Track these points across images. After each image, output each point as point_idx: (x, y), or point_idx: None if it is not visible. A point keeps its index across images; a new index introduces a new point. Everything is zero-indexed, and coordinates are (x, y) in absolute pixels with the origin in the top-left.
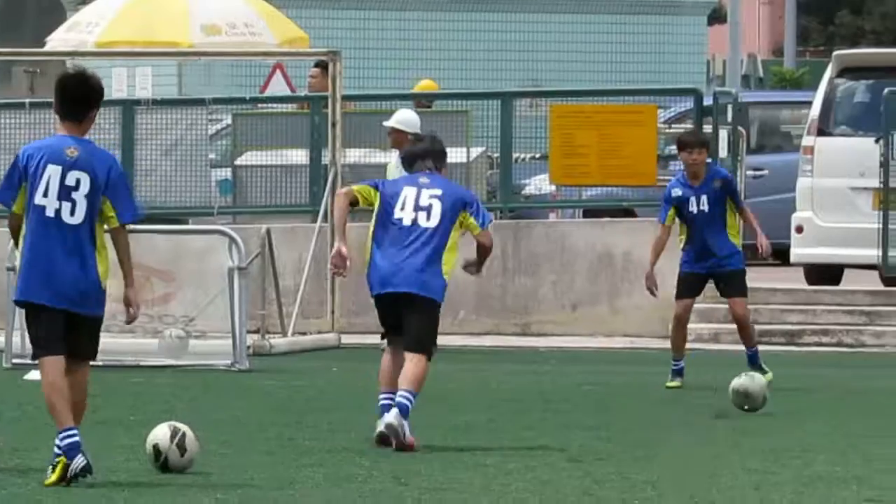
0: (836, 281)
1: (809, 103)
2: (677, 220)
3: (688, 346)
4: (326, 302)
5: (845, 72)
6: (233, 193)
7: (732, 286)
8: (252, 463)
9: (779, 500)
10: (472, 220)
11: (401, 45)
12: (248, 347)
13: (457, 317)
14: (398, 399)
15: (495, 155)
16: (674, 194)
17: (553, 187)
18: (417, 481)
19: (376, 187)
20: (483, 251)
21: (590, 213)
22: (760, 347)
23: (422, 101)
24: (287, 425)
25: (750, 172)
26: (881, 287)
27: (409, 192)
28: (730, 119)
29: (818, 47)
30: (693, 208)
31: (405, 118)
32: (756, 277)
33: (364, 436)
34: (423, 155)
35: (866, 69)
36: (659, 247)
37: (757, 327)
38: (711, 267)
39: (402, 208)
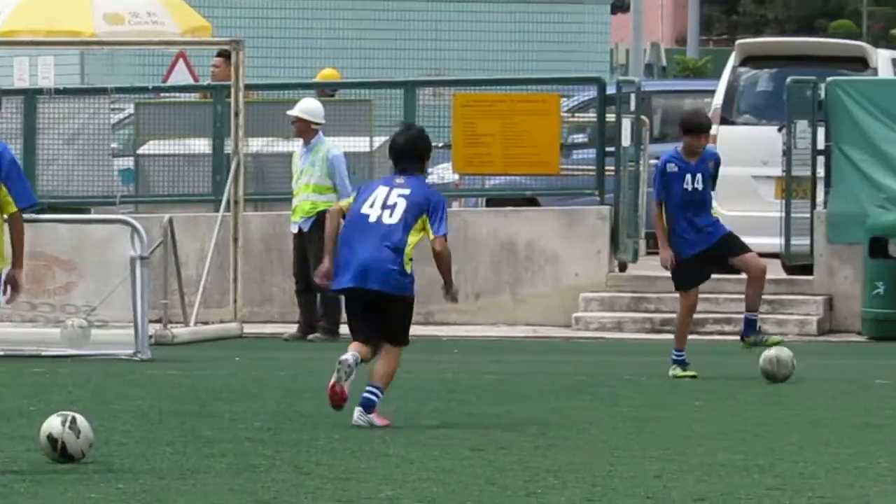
0: (738, 269)
1: (712, 92)
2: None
3: (589, 334)
4: (229, 291)
5: (748, 60)
6: (135, 182)
7: (735, 247)
8: (154, 452)
9: (680, 488)
10: (429, 224)
11: (303, 34)
12: (151, 337)
13: None
14: (364, 394)
15: None
16: (668, 169)
17: (456, 176)
18: (319, 471)
19: (357, 193)
20: (436, 259)
21: (493, 202)
22: (663, 337)
23: (325, 91)
24: (189, 415)
25: (653, 161)
26: (783, 276)
27: (380, 192)
28: (633, 108)
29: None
30: (688, 185)
31: (308, 107)
32: (658, 266)
33: (267, 425)
34: (407, 154)
35: (769, 58)
36: (661, 225)
37: (659, 316)
38: (706, 241)
39: (371, 205)
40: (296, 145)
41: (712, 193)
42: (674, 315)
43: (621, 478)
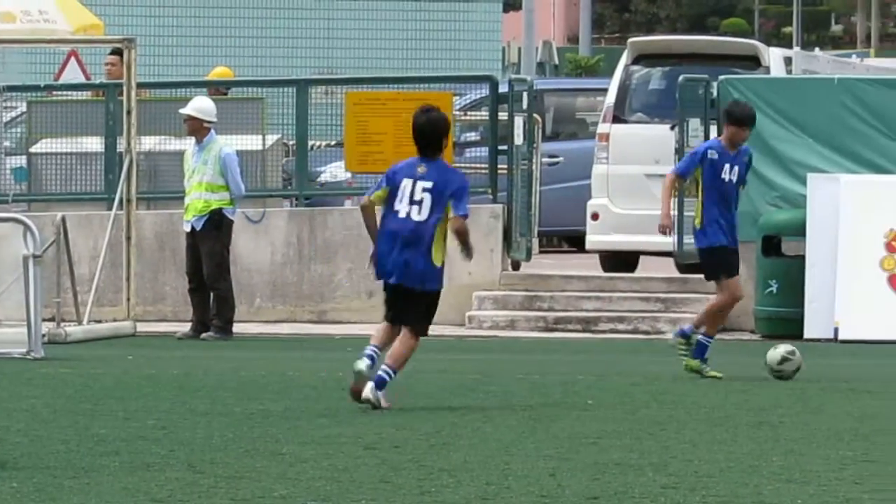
0: (632, 268)
1: (605, 90)
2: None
3: (483, 333)
4: (122, 290)
5: (640, 59)
6: (27, 181)
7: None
8: (48, 451)
9: (574, 487)
10: (450, 207)
11: (196, 33)
12: (44, 335)
13: (253, 304)
14: (378, 373)
15: (291, 142)
16: (709, 155)
17: (349, 174)
18: (213, 469)
19: (385, 184)
20: (455, 235)
21: None
22: (557, 335)
23: (218, 89)
24: (83, 413)
25: (545, 160)
26: (676, 274)
27: (406, 185)
28: (525, 106)
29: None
30: (725, 176)
31: (201, 106)
32: (551, 265)
33: (160, 424)
34: (427, 136)
35: (661, 56)
36: (669, 191)
37: (552, 315)
38: (733, 238)
39: (401, 200)
40: (188, 144)
41: (740, 190)
42: (566, 313)
43: (515, 476)
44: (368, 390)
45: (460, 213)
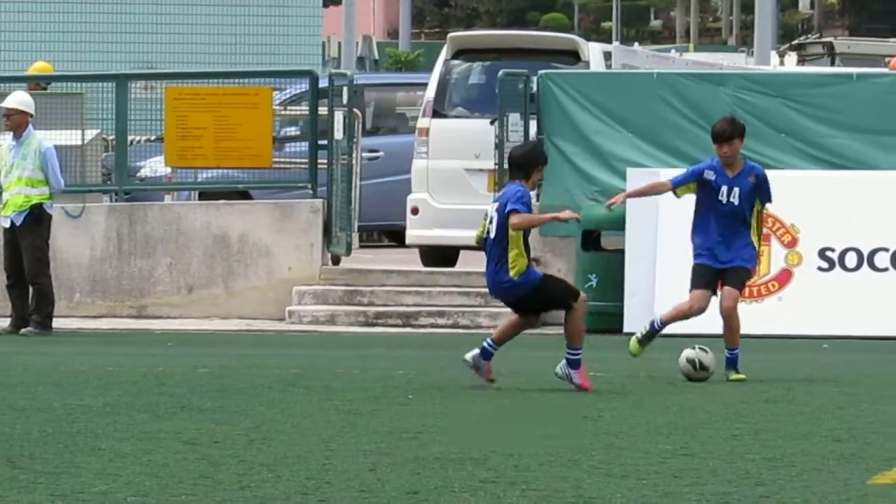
0: (452, 262)
1: (424, 85)
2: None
3: (303, 328)
4: None
5: (460, 53)
6: None
7: (731, 278)
8: None
9: (394, 482)
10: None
11: (15, 28)
12: None
13: (72, 299)
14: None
15: (110, 137)
16: (706, 176)
17: (168, 169)
18: (32, 465)
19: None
20: (517, 229)
21: (205, 195)
22: (377, 330)
23: (38, 83)
24: None
25: (365, 154)
26: None
27: (490, 208)
28: (345, 101)
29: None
30: (723, 198)
31: (24, 99)
32: (371, 259)
33: None
34: (510, 165)
35: (481, 51)
36: (650, 190)
37: (373, 310)
38: (728, 264)
39: (488, 222)
40: (6, 137)
41: (754, 212)
42: (386, 308)
43: (335, 471)
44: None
45: (510, 208)
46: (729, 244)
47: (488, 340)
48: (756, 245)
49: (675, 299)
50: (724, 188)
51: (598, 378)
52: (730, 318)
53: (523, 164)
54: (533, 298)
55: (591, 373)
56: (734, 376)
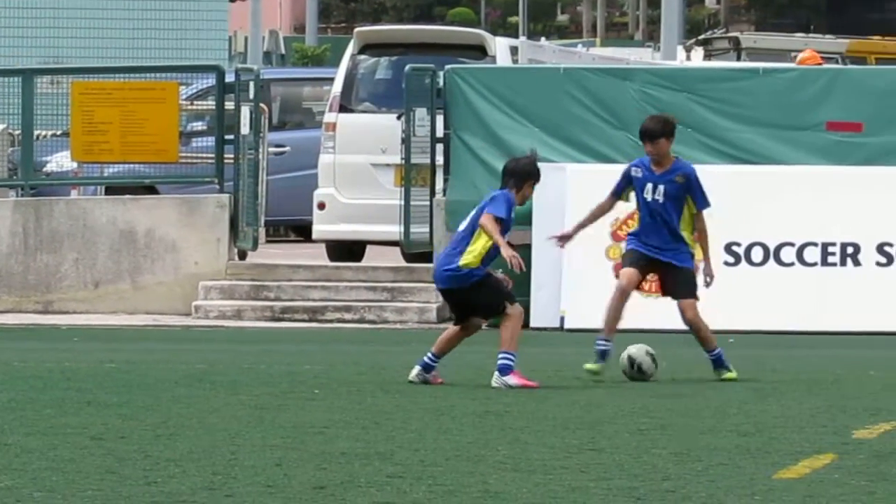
0: (359, 257)
1: (331, 80)
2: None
3: (210, 323)
4: None
5: (367, 48)
6: None
7: (679, 285)
8: None
9: (301, 476)
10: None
11: None
12: None
13: None
14: (498, 362)
15: (16, 132)
16: (633, 173)
17: (75, 164)
18: None
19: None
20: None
21: (112, 190)
22: (284, 325)
23: None
24: None
25: (272, 149)
26: (403, 263)
27: None
28: (252, 96)
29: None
30: (648, 195)
31: None
32: (278, 254)
33: None
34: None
35: (388, 46)
36: (597, 212)
37: (279, 304)
38: (657, 254)
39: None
40: None
41: (680, 212)
42: (293, 303)
43: (242, 466)
44: (494, 381)
45: (489, 210)
46: (659, 238)
47: (429, 354)
48: (688, 244)
49: (582, 293)
50: (649, 185)
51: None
52: (694, 326)
53: (517, 175)
54: (469, 294)
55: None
56: (726, 375)
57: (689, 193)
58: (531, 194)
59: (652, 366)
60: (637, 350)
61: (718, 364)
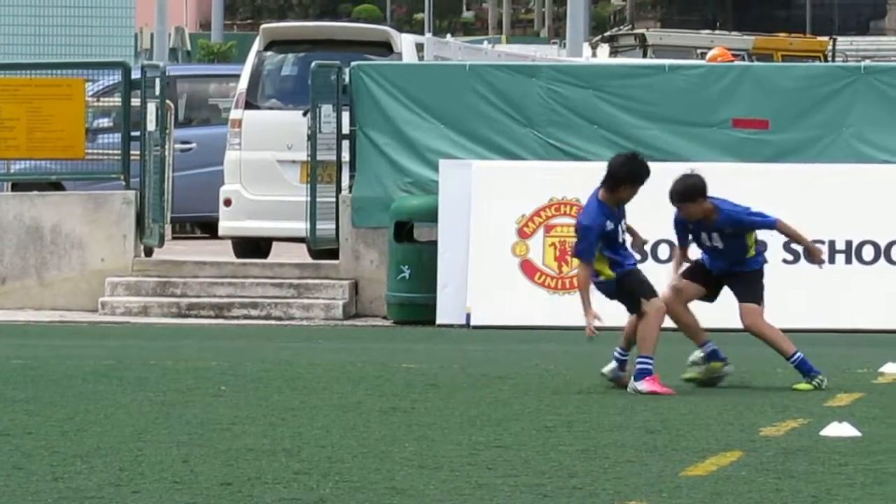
0: (265, 254)
1: (237, 76)
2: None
3: (116, 319)
4: None
5: (273, 45)
6: None
7: (740, 287)
8: None
9: (207, 473)
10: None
11: None
12: None
13: None
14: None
15: None
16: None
17: None
18: None
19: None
20: None
21: (18, 186)
22: (189, 321)
23: None
24: None
25: (178, 146)
26: (309, 260)
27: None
28: (158, 92)
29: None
30: (706, 243)
31: None
32: (184, 251)
33: None
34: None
35: (294, 42)
36: (675, 264)
37: (185, 301)
38: (724, 272)
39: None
40: None
41: (745, 243)
42: (199, 299)
43: (149, 462)
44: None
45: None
46: (725, 263)
47: (617, 350)
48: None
49: (488, 290)
50: (703, 234)
51: (412, 370)
52: (754, 333)
53: (613, 175)
54: (619, 294)
55: (404, 364)
56: (797, 385)
57: (744, 229)
58: (628, 197)
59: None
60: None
61: (801, 371)
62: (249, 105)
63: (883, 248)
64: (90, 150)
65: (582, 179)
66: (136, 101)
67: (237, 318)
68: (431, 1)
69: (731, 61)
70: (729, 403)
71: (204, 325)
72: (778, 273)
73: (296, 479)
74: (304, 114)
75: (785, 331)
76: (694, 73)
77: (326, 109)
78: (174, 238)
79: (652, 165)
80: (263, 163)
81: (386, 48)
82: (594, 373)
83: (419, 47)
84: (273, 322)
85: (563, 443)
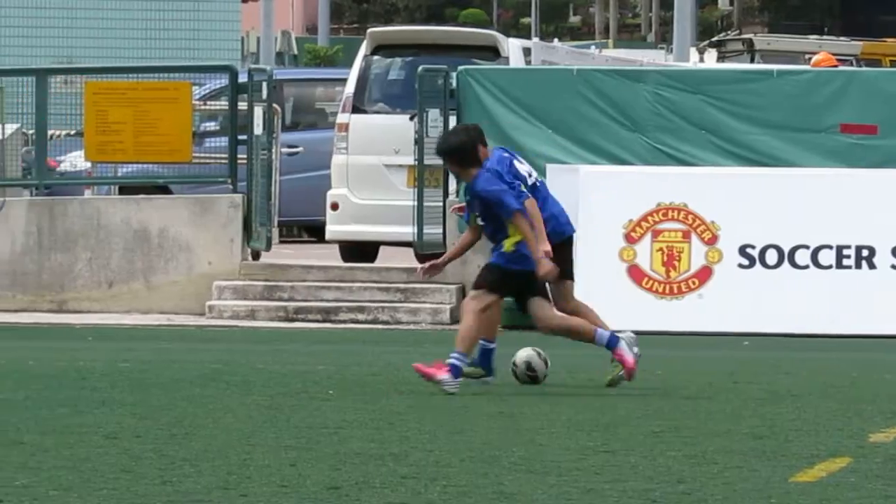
0: (372, 258)
1: (344, 80)
2: None
3: (223, 322)
4: None
5: (379, 49)
6: None
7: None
8: None
9: (315, 477)
10: None
11: None
12: None
13: None
14: None
15: (30, 132)
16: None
17: (88, 164)
18: None
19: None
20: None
21: (125, 190)
22: (296, 325)
23: None
24: None
25: (285, 150)
26: (416, 264)
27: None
28: (264, 96)
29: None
30: None
31: None
32: (291, 254)
33: None
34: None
35: (400, 46)
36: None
37: (293, 305)
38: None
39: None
40: None
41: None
42: (306, 303)
43: (256, 466)
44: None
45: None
46: None
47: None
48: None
49: (595, 295)
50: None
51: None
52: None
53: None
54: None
55: (511, 368)
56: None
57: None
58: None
59: (542, 365)
60: (527, 353)
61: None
62: (356, 109)
63: None
64: (197, 154)
65: (689, 184)
66: (242, 105)
67: (344, 322)
68: (538, 5)
69: (835, 66)
70: (837, 409)
71: (311, 329)
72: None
73: (403, 483)
74: (411, 118)
75: None
76: (802, 78)
77: (433, 114)
78: (281, 242)
79: (760, 171)
80: (370, 167)
81: (493, 52)
82: (702, 378)
83: (526, 51)
84: (380, 326)
85: (670, 448)
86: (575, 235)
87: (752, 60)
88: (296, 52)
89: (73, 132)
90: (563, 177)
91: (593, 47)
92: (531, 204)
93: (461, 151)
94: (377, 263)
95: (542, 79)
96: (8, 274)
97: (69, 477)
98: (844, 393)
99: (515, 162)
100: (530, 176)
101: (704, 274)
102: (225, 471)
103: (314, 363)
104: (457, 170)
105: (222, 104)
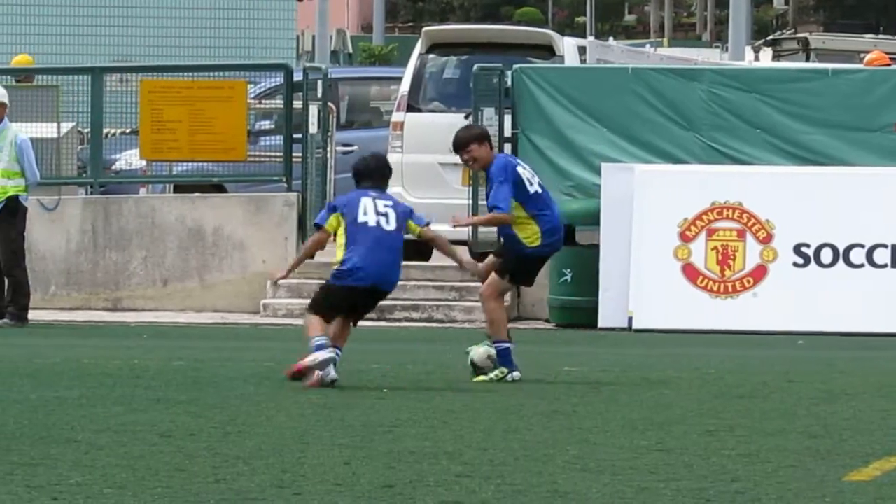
0: (426, 257)
1: (399, 79)
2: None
3: (277, 321)
4: None
5: (435, 48)
6: None
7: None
8: None
9: (369, 475)
10: (413, 223)
11: None
12: None
13: (48, 292)
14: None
15: (86, 130)
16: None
17: (143, 162)
18: (8, 456)
19: (335, 209)
20: (433, 245)
21: (180, 188)
22: None
23: (27, 76)
24: None
25: (340, 148)
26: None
27: (367, 202)
28: (319, 95)
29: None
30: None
31: (4, 91)
32: None
33: None
34: (371, 174)
35: (455, 45)
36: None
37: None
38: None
39: (365, 213)
40: None
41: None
42: None
43: (311, 464)
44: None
45: (423, 223)
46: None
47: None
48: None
49: (650, 294)
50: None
51: (573, 373)
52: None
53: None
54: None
55: (566, 367)
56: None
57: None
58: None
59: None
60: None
61: (500, 360)
62: (411, 108)
63: None
64: (252, 153)
65: (744, 183)
66: (297, 104)
67: (399, 320)
68: (593, 4)
69: (888, 65)
70: (892, 408)
71: (365, 327)
72: None
73: (457, 481)
74: (466, 117)
75: None
76: (857, 77)
77: (488, 112)
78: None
79: (815, 170)
80: (425, 165)
81: (548, 51)
82: (756, 377)
83: (581, 50)
84: (434, 325)
85: (725, 447)
86: (628, 234)
87: (807, 59)
88: (351, 50)
89: (128, 130)
90: (618, 175)
91: (648, 46)
92: (508, 218)
93: (482, 135)
94: (431, 262)
95: (598, 77)
96: (63, 272)
97: (123, 475)
98: None
99: (518, 168)
100: (531, 184)
101: (759, 273)
102: (279, 469)
103: (368, 362)
104: (478, 153)
105: (277, 103)
